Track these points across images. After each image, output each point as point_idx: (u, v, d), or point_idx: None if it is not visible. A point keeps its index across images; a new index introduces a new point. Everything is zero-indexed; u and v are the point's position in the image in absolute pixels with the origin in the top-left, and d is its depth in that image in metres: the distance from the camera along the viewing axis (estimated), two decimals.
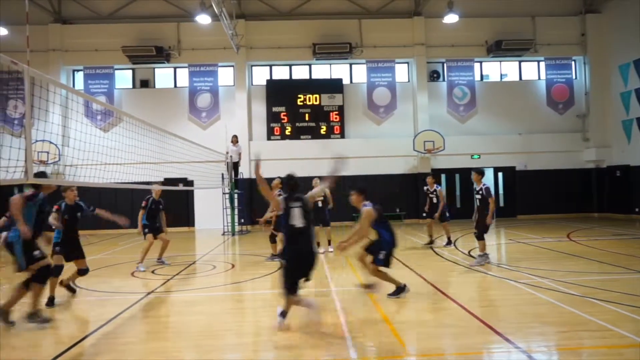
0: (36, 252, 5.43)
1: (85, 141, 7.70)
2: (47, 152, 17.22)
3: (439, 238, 12.17)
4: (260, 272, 8.66)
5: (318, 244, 10.40)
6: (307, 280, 5.11)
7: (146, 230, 9.50)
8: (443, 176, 19.43)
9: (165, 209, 10.09)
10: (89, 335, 5.05)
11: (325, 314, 5.64)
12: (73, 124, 16.97)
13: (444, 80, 19.84)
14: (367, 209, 6.02)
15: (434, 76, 19.83)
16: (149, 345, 4.75)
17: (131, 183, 8.65)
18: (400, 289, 6.33)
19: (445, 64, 19.77)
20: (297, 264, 4.99)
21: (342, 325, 5.15)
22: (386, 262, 6.15)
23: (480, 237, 8.67)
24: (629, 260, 8.65)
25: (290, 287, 4.96)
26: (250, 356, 4.50)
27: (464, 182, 19.43)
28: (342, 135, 19.14)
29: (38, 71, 4.68)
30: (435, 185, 11.73)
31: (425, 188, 12.18)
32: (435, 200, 11.62)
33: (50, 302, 6.38)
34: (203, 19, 16.07)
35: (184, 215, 18.66)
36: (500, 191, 19.76)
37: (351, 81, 19.79)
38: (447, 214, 11.59)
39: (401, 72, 19.86)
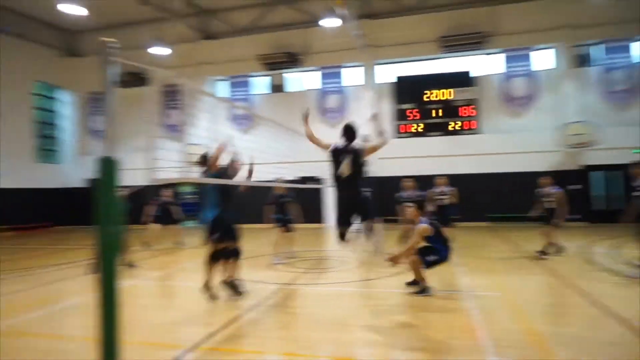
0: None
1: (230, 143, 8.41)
2: (197, 154, 19.41)
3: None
4: (390, 270, 8.59)
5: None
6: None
7: (277, 224, 10.10)
8: (596, 173, 17.07)
9: (294, 201, 10.61)
10: (235, 321, 5.52)
11: (460, 316, 5.35)
12: (219, 128, 18.86)
13: (594, 65, 17.44)
14: (423, 226, 6.31)
15: (582, 61, 17.54)
16: (284, 334, 5.02)
17: (267, 181, 9.27)
18: (425, 289, 6.37)
19: (595, 46, 17.36)
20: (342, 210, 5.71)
21: (477, 330, 4.83)
22: (429, 265, 6.38)
23: None
24: None
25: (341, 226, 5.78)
26: (382, 353, 4.46)
27: (623, 179, 16.82)
28: (475, 130, 18.06)
29: (193, 83, 5.26)
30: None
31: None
32: (444, 202, 10.87)
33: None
34: (329, 22, 16.54)
35: (316, 212, 19.41)
36: None
37: (485, 73, 18.53)
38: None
39: (542, 59, 17.97)
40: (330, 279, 8.29)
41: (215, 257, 6.41)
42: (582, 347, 4.37)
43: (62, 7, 14.25)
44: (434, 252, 6.40)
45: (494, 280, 7.32)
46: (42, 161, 21.68)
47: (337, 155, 5.66)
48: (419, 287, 6.48)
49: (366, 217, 5.95)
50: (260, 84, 21.09)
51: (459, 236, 13.96)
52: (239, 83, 20.71)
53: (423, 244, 6.44)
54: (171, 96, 20.54)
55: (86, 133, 22.76)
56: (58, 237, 17.59)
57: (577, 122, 16.50)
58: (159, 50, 18.49)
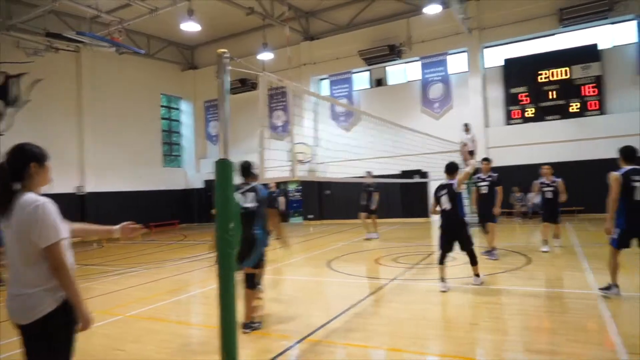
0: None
1: (332, 140, 8.64)
2: (303, 153, 20.16)
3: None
4: (506, 266, 8.09)
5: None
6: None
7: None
8: None
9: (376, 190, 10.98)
10: (341, 314, 5.66)
11: (589, 319, 4.87)
12: (321, 127, 19.37)
13: None
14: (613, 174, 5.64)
15: None
16: (392, 329, 5.01)
17: (368, 177, 9.29)
18: (609, 287, 5.69)
19: None
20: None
21: (609, 334, 4.34)
22: (618, 243, 5.59)
23: None
24: None
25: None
26: (497, 354, 4.24)
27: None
28: (601, 111, 16.10)
29: (297, 84, 5.49)
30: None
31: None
32: (550, 195, 9.31)
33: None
34: (432, 9, 15.94)
35: (421, 206, 18.99)
36: None
37: (612, 44, 16.39)
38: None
39: None
40: (436, 275, 8.05)
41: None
42: None
43: (184, 26, 15.75)
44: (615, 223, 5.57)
45: (631, 280, 6.49)
46: (168, 165, 24.28)
47: (438, 191, 6.73)
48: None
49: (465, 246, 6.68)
50: (361, 79, 21.16)
51: (586, 229, 12.64)
52: (340, 80, 21.00)
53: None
54: (277, 98, 21.61)
55: (204, 138, 24.95)
56: (184, 232, 19.57)
57: None
58: (266, 56, 19.54)
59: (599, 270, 7.22)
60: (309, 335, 4.86)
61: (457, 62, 18.85)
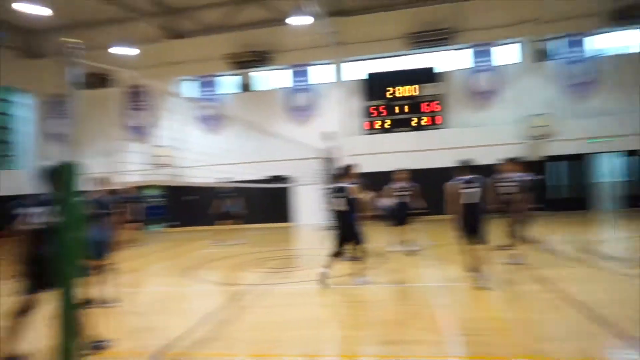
0: None
1: (199, 144, 8.37)
2: (167, 156, 19.10)
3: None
4: (362, 265, 8.69)
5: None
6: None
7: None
8: (557, 164, 17.76)
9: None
10: (201, 323, 5.50)
11: (431, 308, 5.51)
12: (188, 129, 18.58)
13: (554, 59, 18.07)
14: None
15: (543, 55, 18.14)
16: (256, 334, 5.03)
17: (238, 182, 9.24)
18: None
19: (555, 41, 17.97)
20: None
21: (447, 321, 4.98)
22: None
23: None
24: None
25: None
26: (354, 349, 4.55)
27: (582, 169, 17.58)
28: (442, 125, 18.44)
29: (158, 84, 5.19)
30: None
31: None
32: (407, 199, 9.81)
33: None
34: (298, 20, 16.52)
35: (286, 211, 19.44)
36: (626, 178, 17.44)
37: (451, 68, 18.93)
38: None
39: (506, 53, 18.49)
40: (300, 277, 8.34)
41: None
42: (540, 330, 4.58)
43: (19, 7, 13.70)
44: None
45: (460, 272, 7.53)
46: None
47: (332, 191, 7.24)
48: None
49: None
50: (229, 83, 20.90)
51: (427, 230, 14.25)
52: (207, 83, 20.46)
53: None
54: (137, 97, 20.10)
55: (46, 137, 21.99)
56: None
57: (539, 114, 17.07)
58: (124, 51, 18.06)
59: (441, 265, 8.22)
60: (166, 348, 4.60)
61: (321, 73, 19.82)
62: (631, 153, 17.30)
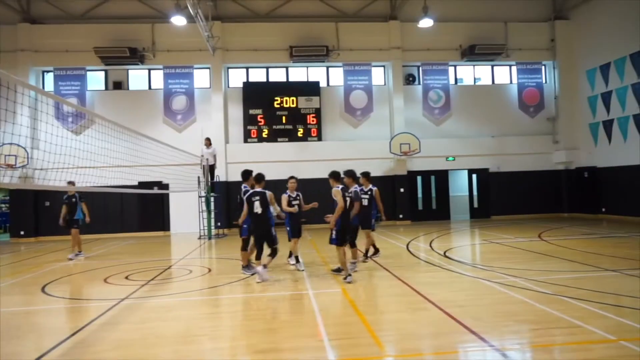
0: None
1: (56, 144, 7.49)
2: (15, 156, 16.68)
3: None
4: (237, 276, 8.59)
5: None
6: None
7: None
8: (419, 178, 19.73)
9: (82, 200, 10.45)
10: (59, 345, 4.90)
11: (303, 315, 5.64)
12: (43, 127, 16.49)
13: (419, 83, 20.12)
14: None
15: (410, 79, 20.08)
16: (122, 353, 4.64)
17: (103, 187, 8.46)
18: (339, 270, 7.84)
19: (420, 68, 20.05)
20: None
21: (319, 327, 5.16)
22: (337, 241, 7.63)
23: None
24: (598, 258, 8.94)
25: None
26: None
27: (439, 183, 19.79)
28: (319, 137, 19.18)
29: (5, 72, 4.53)
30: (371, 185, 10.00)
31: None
32: (366, 202, 9.51)
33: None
34: (178, 20, 15.84)
35: (159, 219, 18.36)
36: (475, 192, 20.16)
37: (328, 84, 19.85)
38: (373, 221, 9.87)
39: (378, 75, 20.04)
40: (173, 289, 7.92)
41: None
42: (404, 328, 5.01)
43: None
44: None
45: (336, 280, 7.88)
46: None
47: (251, 196, 7.90)
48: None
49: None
50: (97, 79, 19.09)
51: (306, 237, 14.64)
52: (70, 77, 18.40)
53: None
54: None
55: None
56: None
57: (404, 132, 18.78)
58: None
59: (314, 274, 8.48)
60: None
61: (202, 77, 19.23)
62: (473, 171, 19.99)
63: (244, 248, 8.70)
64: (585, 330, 4.69)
